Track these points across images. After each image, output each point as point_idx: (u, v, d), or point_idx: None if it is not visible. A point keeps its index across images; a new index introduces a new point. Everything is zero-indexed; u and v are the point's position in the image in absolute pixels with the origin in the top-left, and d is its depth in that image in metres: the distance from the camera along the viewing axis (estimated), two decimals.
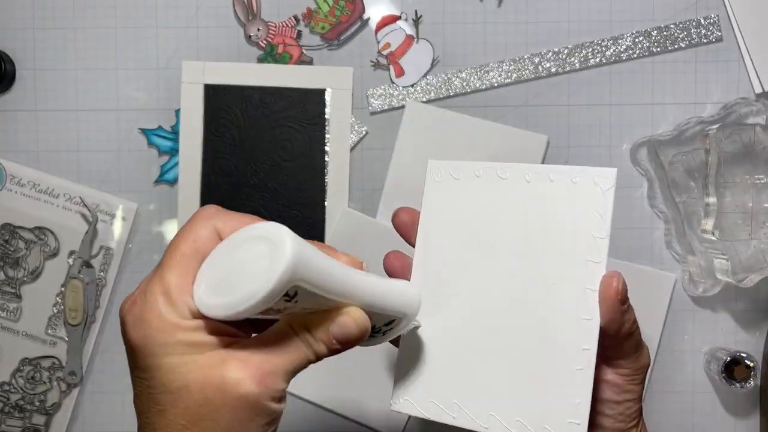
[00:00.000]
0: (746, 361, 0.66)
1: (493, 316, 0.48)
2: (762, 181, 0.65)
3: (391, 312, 0.45)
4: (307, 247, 0.37)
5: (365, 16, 0.70)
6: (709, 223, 0.63)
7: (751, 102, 0.66)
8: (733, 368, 0.66)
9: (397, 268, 0.51)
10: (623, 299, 0.46)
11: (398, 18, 0.70)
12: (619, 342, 0.48)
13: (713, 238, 0.63)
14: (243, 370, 0.38)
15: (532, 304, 0.47)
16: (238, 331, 0.41)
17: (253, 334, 0.43)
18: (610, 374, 0.50)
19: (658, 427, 0.70)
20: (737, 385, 0.66)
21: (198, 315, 0.39)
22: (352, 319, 0.41)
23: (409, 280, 0.50)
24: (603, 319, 0.46)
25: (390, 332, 0.47)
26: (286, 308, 0.38)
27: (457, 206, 0.50)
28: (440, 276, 0.49)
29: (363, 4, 0.70)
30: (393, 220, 0.52)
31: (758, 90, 0.69)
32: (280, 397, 0.40)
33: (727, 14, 0.69)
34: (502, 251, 0.48)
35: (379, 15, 0.70)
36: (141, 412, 0.42)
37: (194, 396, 0.38)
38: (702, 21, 0.69)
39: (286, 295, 0.37)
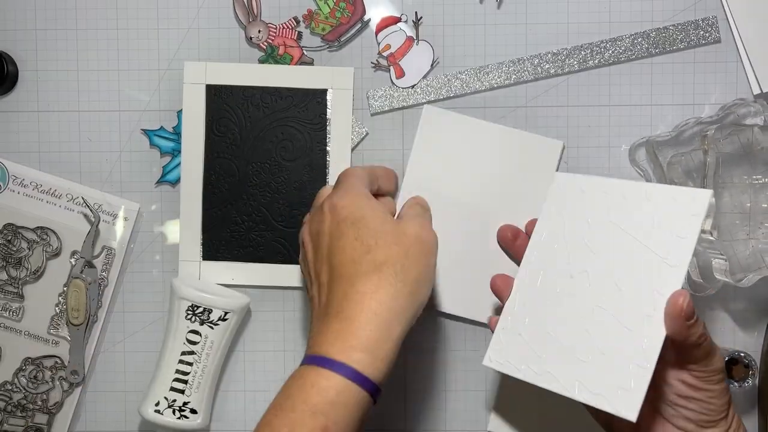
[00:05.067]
0: (744, 360, 0.66)
1: (583, 302, 0.57)
2: (760, 182, 0.65)
3: None
4: None
5: (366, 18, 0.71)
6: (707, 224, 0.64)
7: (749, 103, 0.66)
8: (731, 368, 0.66)
9: (502, 289, 0.62)
10: (688, 316, 0.51)
11: (398, 20, 0.71)
12: (686, 350, 0.53)
13: (711, 238, 0.63)
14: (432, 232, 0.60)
15: (615, 296, 0.55)
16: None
17: None
18: (684, 375, 0.54)
19: None
20: (736, 384, 0.66)
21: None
22: None
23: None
24: (669, 330, 0.52)
25: None
26: None
27: (570, 214, 0.60)
28: (547, 263, 0.60)
29: (363, 5, 0.70)
30: (498, 234, 0.68)
31: (756, 91, 0.69)
32: None
33: (726, 16, 0.69)
34: (600, 253, 0.57)
35: (379, 16, 0.71)
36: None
37: (410, 238, 0.57)
38: (700, 22, 0.69)
39: None
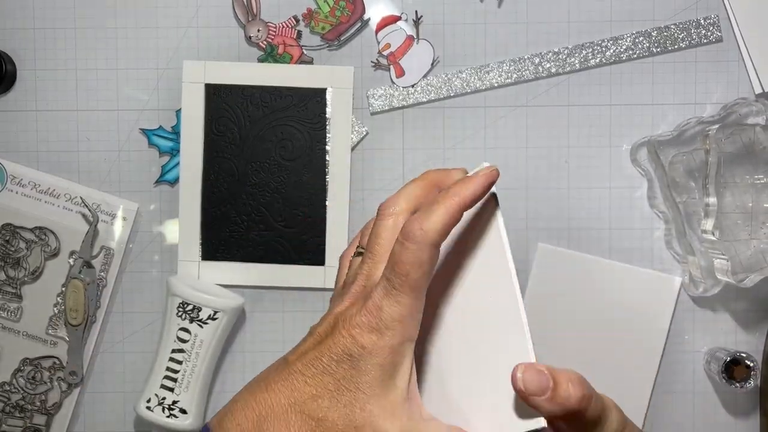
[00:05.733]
0: (746, 361, 0.66)
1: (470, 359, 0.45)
2: (762, 182, 0.65)
3: None
4: None
5: (366, 17, 0.70)
6: (709, 223, 0.63)
7: (750, 102, 0.66)
8: (733, 368, 0.66)
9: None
10: (540, 390, 0.40)
11: (398, 18, 0.70)
12: (572, 420, 0.42)
13: (713, 238, 0.63)
14: None
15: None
16: None
17: None
18: None
19: (658, 427, 0.70)
20: (737, 385, 0.66)
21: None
22: None
23: None
24: (541, 412, 0.41)
25: None
26: None
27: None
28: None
29: (363, 4, 0.70)
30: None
31: (758, 90, 0.69)
32: None
33: (727, 14, 0.69)
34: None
35: (379, 15, 0.70)
36: None
37: None
38: (702, 21, 0.69)
39: None
